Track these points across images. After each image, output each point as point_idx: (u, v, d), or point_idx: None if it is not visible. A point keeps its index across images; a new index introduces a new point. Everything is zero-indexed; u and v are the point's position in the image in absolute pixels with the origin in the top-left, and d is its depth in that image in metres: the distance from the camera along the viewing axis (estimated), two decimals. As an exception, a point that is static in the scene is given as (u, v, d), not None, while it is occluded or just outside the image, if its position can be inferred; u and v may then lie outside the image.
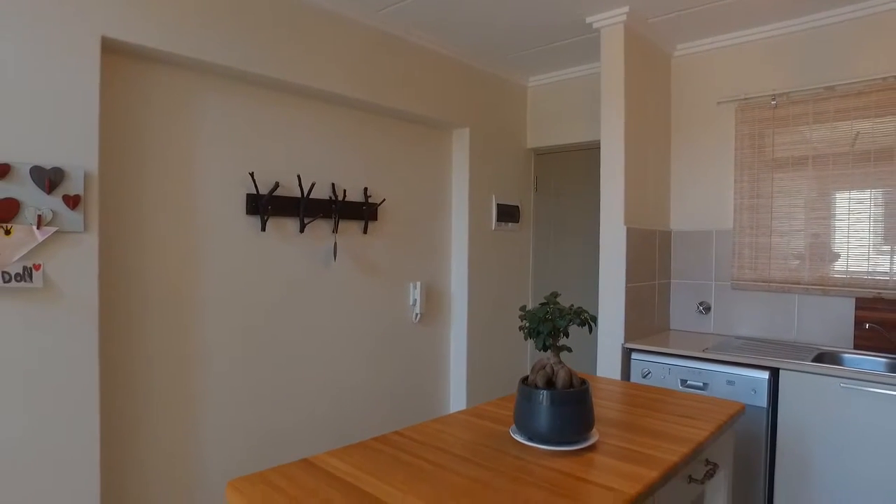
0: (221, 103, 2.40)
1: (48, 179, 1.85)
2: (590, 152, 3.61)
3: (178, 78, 2.28)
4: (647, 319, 3.00)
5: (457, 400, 3.45)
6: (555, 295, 1.39)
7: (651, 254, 3.03)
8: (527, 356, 3.87)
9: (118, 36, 2.00)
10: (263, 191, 2.49)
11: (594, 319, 1.37)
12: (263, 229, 2.49)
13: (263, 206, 2.47)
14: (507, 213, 3.66)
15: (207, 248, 2.37)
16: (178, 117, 2.28)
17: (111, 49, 2.06)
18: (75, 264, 1.91)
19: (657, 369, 2.67)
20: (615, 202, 2.81)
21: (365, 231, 2.91)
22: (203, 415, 2.36)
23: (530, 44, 3.17)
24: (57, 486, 1.88)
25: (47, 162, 1.85)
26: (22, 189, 1.80)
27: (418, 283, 3.20)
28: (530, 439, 1.34)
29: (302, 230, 2.62)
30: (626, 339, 2.79)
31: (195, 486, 2.35)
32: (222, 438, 2.42)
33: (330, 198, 2.74)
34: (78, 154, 1.92)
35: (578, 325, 1.33)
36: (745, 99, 2.94)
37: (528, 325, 1.37)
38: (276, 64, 2.43)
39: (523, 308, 1.41)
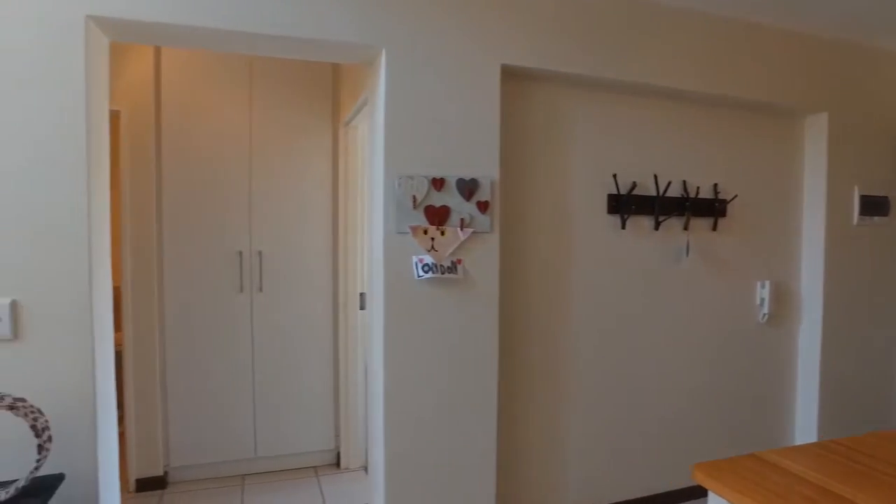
0: (584, 111, 2.62)
1: (468, 189, 2.28)
2: None
3: (550, 91, 2.56)
4: None
5: (805, 411, 3.17)
6: None
7: None
8: (893, 371, 3.34)
9: (512, 62, 2.35)
10: (622, 191, 2.65)
11: None
12: (623, 227, 2.66)
13: (624, 205, 2.63)
14: (873, 206, 3.20)
15: (576, 245, 2.62)
16: (551, 127, 2.57)
17: (504, 73, 2.42)
18: (484, 260, 2.32)
19: None
20: None
21: (714, 228, 2.87)
22: (567, 390, 2.65)
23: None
24: (471, 423, 2.33)
25: (467, 174, 2.27)
26: (451, 198, 2.26)
27: (766, 282, 3.02)
28: None
29: (657, 228, 2.71)
30: None
31: (560, 444, 2.65)
32: (581, 411, 2.68)
33: (682, 196, 2.77)
34: (486, 166, 2.31)
35: None
36: None
37: None
38: (629, 66, 2.55)
39: None
